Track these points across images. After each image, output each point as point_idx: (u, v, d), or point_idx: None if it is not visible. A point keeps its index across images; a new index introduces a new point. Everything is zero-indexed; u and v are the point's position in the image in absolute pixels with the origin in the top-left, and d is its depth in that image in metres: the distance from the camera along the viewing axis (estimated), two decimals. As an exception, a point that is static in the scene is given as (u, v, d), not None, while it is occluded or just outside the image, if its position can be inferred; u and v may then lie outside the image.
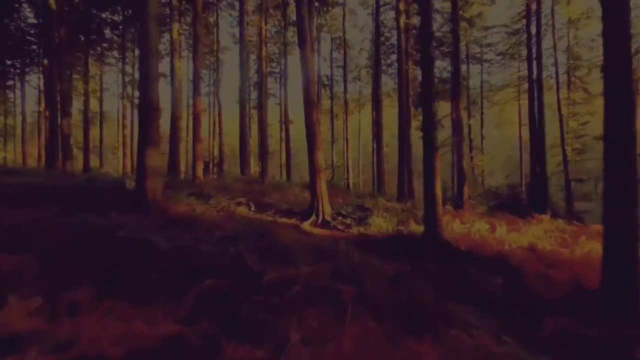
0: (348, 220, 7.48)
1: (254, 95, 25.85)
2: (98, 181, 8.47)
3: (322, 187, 7.66)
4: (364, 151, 29.70)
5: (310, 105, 7.57)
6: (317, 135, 7.62)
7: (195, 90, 10.96)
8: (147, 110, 6.81)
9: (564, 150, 19.38)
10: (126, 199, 7.24)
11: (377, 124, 18.74)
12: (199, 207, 7.14)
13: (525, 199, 12.81)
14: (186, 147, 25.58)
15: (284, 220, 7.37)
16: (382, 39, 22.11)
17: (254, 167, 24.12)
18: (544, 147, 12.72)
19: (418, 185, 21.70)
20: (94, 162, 26.27)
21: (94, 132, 28.58)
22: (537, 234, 7.33)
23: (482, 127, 24.65)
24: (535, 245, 6.15)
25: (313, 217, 7.49)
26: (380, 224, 7.30)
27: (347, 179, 22.65)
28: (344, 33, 22.27)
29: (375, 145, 22.56)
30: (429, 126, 6.51)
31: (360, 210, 8.39)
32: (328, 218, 7.53)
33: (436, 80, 24.30)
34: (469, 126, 24.43)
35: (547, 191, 12.47)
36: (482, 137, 24.56)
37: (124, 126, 23.36)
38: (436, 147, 6.51)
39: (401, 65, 14.61)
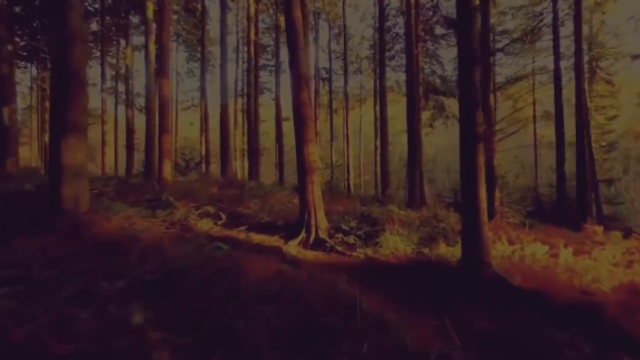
0: (351, 239, 5.42)
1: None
2: (19, 186, 6.42)
3: (315, 192, 5.62)
4: (365, 149, 27.69)
5: (299, 79, 5.52)
6: (308, 121, 5.58)
7: (161, 70, 8.92)
8: (65, 77, 4.75)
9: (590, 148, 17.36)
10: (41, 211, 5.22)
11: (381, 119, 16.68)
12: (143, 221, 5.09)
13: (561, 205, 10.78)
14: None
15: (261, 239, 5.31)
16: (387, 25, 20.08)
17: (247, 167, 22.06)
18: (590, 143, 10.66)
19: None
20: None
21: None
22: (612, 257, 5.29)
23: (495, 122, 22.58)
24: (636, 284, 4.09)
25: (302, 235, 5.44)
26: (395, 244, 5.26)
27: (348, 179, 20.56)
28: (344, 19, 20.21)
29: (379, 143, 20.52)
30: (469, 104, 4.46)
31: (366, 222, 6.34)
32: (323, 235, 5.47)
33: (438, 79, 22.32)
34: (481, 122, 22.38)
35: (587, 196, 10.45)
36: (495, 134, 22.48)
37: (103, 121, 21.26)
38: (479, 136, 4.47)
39: (410, 49, 12.57)
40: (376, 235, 5.49)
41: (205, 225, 5.42)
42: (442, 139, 32.67)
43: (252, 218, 6.19)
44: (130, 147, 16.58)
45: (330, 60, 24.40)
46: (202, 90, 20.78)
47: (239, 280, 3.52)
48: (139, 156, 22.10)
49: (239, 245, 4.81)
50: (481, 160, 4.43)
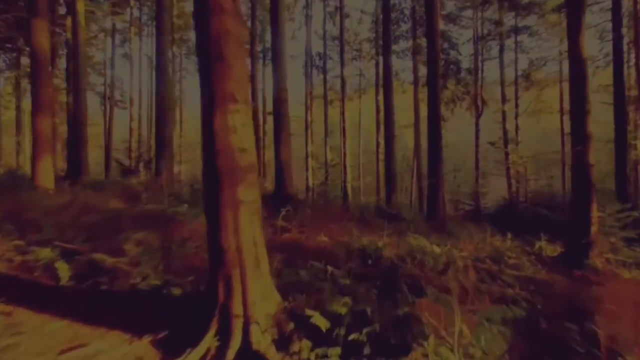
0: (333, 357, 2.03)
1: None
2: None
3: (244, 226, 2.24)
4: (366, 147, 24.24)
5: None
6: (226, 48, 2.17)
7: (32, 5, 5.52)
8: None
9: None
10: None
11: (386, 107, 13.35)
12: None
13: None
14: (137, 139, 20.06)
15: (102, 344, 1.95)
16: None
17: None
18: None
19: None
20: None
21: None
22: None
23: (516, 115, 19.28)
24: None
25: (208, 342, 2.07)
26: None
27: (345, 182, 17.12)
28: (341, -11, 16.84)
29: (381, 139, 17.21)
30: None
31: (372, 280, 2.94)
32: (261, 345, 2.07)
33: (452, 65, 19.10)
34: (503, 112, 19.04)
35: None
36: (518, 128, 19.19)
37: (17, 109, 17.33)
38: None
39: (432, 11, 9.19)
40: (403, 343, 2.10)
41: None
42: (451, 135, 29.20)
43: (121, 276, 2.80)
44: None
45: (324, 43, 21.05)
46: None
47: None
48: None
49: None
50: None
